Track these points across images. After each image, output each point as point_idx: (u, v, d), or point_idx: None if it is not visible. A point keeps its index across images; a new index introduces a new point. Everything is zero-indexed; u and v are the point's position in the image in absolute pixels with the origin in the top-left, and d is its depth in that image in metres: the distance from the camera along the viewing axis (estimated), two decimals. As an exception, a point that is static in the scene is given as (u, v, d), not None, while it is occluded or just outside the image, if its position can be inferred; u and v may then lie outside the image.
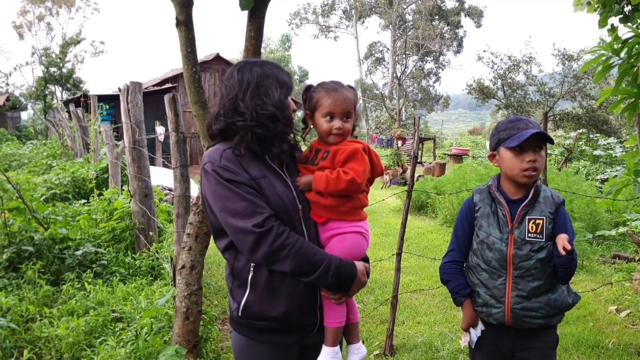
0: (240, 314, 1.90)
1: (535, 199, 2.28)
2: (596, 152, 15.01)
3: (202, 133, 3.32)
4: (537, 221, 2.24)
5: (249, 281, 1.86)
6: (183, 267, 3.41)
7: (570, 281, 2.34)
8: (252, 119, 1.88)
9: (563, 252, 2.06)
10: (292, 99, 2.04)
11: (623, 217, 8.13)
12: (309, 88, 2.05)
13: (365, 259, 2.05)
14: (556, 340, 2.40)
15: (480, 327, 2.43)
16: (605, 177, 12.85)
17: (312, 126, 2.06)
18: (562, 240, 2.09)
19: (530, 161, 2.22)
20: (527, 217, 2.27)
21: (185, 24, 3.13)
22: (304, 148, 2.18)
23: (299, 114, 2.15)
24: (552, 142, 2.27)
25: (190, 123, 19.30)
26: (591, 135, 18.65)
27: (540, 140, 2.23)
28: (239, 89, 1.91)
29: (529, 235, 2.25)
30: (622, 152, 14.68)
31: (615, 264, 6.55)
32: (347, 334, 2.11)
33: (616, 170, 13.08)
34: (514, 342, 2.36)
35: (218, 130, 1.95)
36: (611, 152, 14.80)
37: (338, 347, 2.00)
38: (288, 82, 2.00)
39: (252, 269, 1.86)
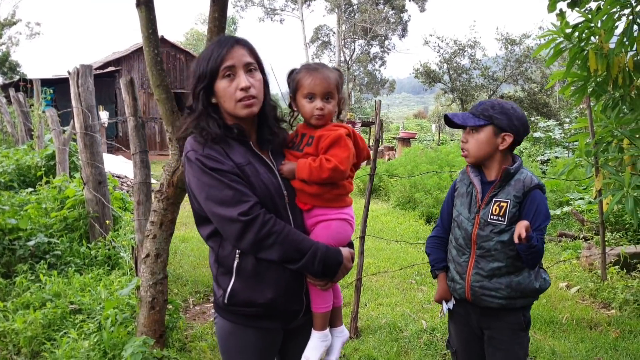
0: (226, 301, 1.88)
1: (507, 182, 2.29)
2: (536, 135, 15.56)
3: (165, 118, 3.22)
4: (502, 204, 2.27)
5: (234, 268, 1.85)
6: (147, 255, 3.32)
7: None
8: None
9: (516, 240, 2.05)
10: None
11: (566, 197, 8.50)
12: (292, 71, 2.00)
13: (350, 245, 2.04)
14: (523, 322, 2.39)
15: (452, 301, 2.51)
16: (546, 159, 13.35)
17: (296, 109, 2.01)
18: (519, 227, 2.06)
19: (461, 141, 2.40)
20: (494, 199, 2.31)
21: (146, 4, 3.02)
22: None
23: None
24: (462, 125, 2.34)
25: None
26: (532, 118, 19.33)
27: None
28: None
29: (492, 217, 2.28)
30: (561, 134, 15.29)
31: (562, 242, 6.84)
32: (331, 318, 2.09)
33: (555, 152, 13.63)
34: (480, 319, 2.44)
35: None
36: (550, 134, 15.36)
37: (327, 330, 2.02)
38: (198, 69, 1.85)
39: (237, 256, 1.84)
